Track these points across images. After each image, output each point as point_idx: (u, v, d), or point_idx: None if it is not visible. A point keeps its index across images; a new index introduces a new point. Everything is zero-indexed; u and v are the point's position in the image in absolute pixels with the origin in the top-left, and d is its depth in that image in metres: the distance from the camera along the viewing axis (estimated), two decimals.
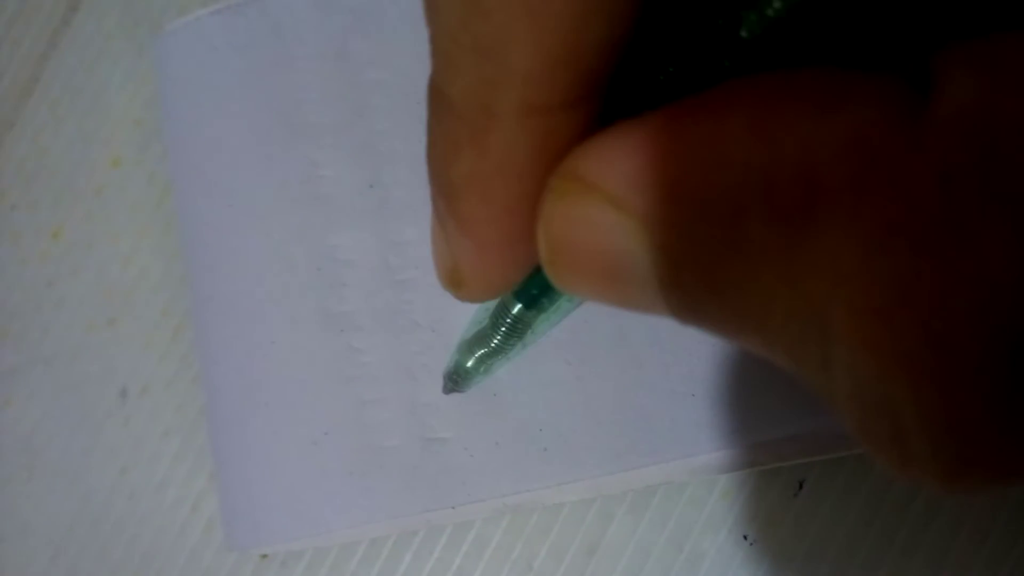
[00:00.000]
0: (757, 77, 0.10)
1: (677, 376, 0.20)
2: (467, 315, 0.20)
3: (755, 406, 0.19)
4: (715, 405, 0.19)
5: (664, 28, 0.11)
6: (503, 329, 0.18)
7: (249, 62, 0.22)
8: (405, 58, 0.22)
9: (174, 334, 0.25)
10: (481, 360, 0.19)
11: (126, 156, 0.26)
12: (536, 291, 0.16)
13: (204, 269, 0.22)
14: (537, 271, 0.13)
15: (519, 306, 0.17)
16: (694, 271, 0.10)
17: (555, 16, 0.10)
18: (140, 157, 0.26)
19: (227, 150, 0.22)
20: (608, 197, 0.10)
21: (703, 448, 0.19)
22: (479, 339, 0.19)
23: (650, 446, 0.20)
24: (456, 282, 0.14)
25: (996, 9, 0.09)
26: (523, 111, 0.11)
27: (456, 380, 0.20)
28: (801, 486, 0.21)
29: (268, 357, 0.22)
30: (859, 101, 0.09)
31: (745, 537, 0.21)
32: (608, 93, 0.11)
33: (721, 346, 0.20)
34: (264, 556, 0.23)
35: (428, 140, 0.13)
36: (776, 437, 0.19)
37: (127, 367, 0.25)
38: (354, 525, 0.21)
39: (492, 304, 0.18)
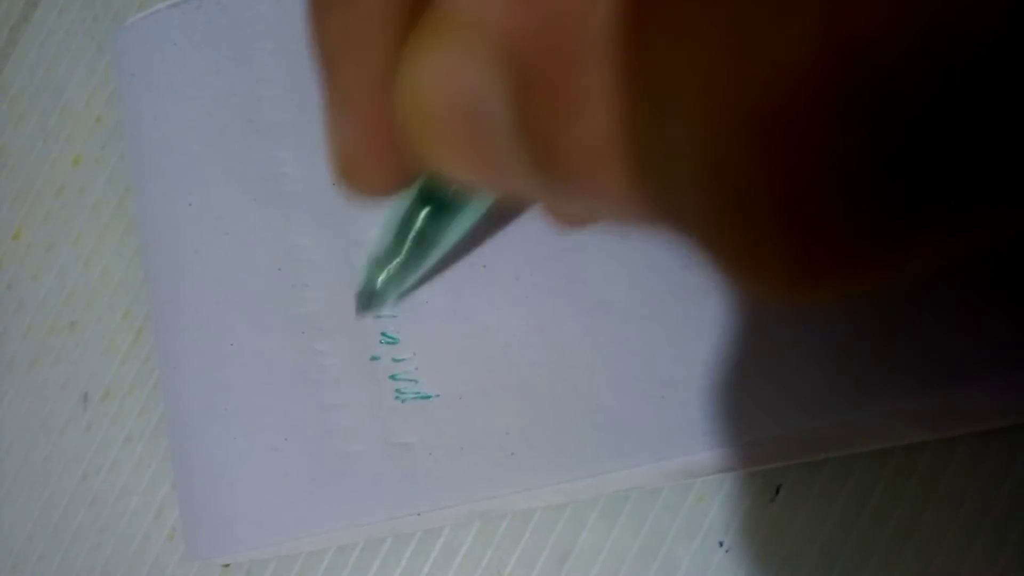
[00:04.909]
0: None
1: (647, 378, 0.19)
2: (429, 304, 0.20)
3: (728, 408, 0.19)
4: (686, 408, 0.19)
5: None
6: (409, 238, 0.17)
7: (209, 58, 0.22)
8: None
9: (136, 337, 0.24)
10: (391, 275, 0.18)
11: (87, 154, 0.25)
12: (433, 191, 0.16)
13: (163, 270, 0.22)
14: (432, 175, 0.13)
15: (421, 212, 0.16)
16: (541, 94, 0.09)
17: None
18: (101, 155, 0.25)
19: (186, 147, 0.22)
20: (462, 23, 0.10)
21: (674, 452, 0.19)
22: (388, 253, 0.18)
23: (620, 450, 0.19)
24: (349, 169, 0.13)
25: None
26: None
27: (369, 298, 0.19)
28: (778, 491, 0.21)
29: (227, 361, 0.21)
30: None
31: (720, 544, 0.21)
32: None
33: (691, 347, 0.19)
34: (226, 566, 0.23)
35: (307, 13, 0.13)
36: (750, 440, 0.19)
37: (89, 371, 0.24)
38: (316, 533, 0.20)
39: (399, 219, 0.17)
